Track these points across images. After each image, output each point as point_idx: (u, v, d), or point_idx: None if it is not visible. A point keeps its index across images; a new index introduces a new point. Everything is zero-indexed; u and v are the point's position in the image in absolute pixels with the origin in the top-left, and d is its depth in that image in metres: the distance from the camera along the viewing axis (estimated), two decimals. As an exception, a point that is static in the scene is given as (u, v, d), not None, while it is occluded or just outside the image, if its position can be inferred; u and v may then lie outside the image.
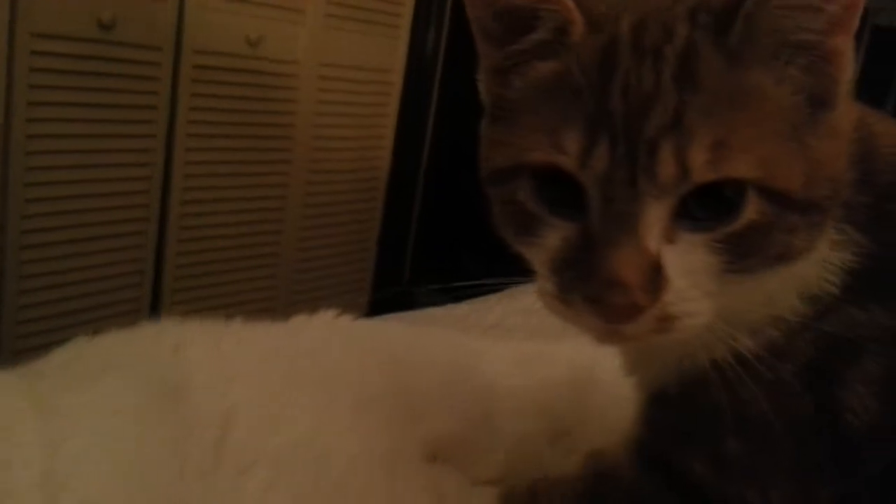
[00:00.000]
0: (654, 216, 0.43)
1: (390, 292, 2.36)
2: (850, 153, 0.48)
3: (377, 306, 2.06)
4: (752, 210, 0.44)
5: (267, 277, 2.00)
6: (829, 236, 0.49)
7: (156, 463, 0.43)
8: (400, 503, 0.50)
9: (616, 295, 0.43)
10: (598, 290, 0.44)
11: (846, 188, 0.48)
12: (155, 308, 1.79)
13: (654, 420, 0.55)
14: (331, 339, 0.62)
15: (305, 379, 0.54)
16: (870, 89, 0.54)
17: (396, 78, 2.16)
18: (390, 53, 2.13)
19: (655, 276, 0.44)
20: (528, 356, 0.70)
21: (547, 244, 0.47)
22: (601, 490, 0.58)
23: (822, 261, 0.49)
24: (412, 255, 2.55)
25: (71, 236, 1.57)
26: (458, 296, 0.96)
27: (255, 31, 1.76)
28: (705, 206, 0.44)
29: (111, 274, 1.67)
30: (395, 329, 0.71)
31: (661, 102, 0.43)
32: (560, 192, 0.46)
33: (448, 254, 2.30)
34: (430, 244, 2.54)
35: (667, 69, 0.43)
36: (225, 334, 0.59)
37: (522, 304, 1.02)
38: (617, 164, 0.43)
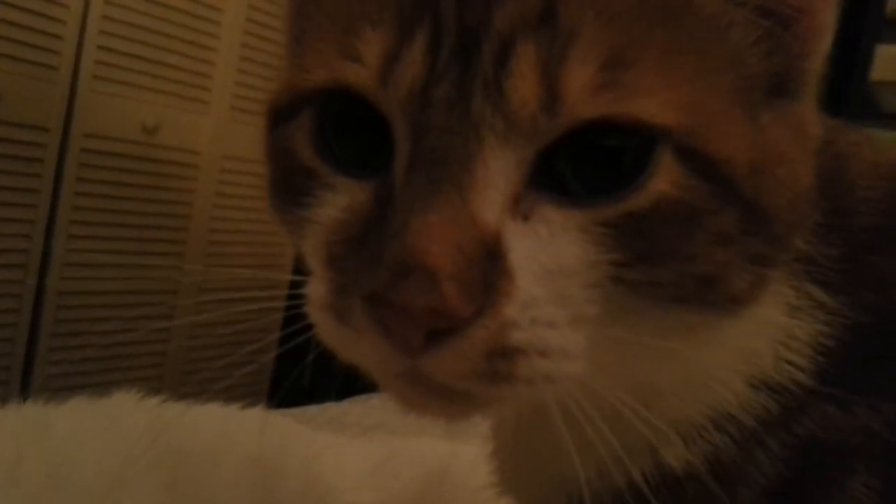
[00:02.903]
0: (496, 169, 0.26)
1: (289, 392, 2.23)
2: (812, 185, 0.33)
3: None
4: (663, 178, 0.27)
5: (153, 378, 1.86)
6: (785, 299, 0.33)
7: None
8: None
9: (412, 289, 0.25)
10: (383, 282, 0.25)
11: (809, 215, 0.33)
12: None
13: None
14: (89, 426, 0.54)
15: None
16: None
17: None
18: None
19: (489, 268, 0.26)
20: (377, 462, 0.62)
21: (324, 218, 0.30)
22: None
23: (779, 333, 0.33)
24: (314, 357, 2.44)
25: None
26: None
27: (153, 117, 1.70)
28: (585, 166, 0.27)
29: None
30: (218, 414, 0.63)
31: None
32: (353, 136, 0.30)
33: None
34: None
35: None
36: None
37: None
38: (439, 76, 0.27)
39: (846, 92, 2.19)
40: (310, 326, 0.32)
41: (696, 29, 0.28)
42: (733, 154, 0.28)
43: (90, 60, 1.57)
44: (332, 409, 0.81)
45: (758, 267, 0.30)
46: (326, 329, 0.30)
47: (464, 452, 0.67)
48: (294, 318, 0.32)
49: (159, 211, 1.78)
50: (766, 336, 0.33)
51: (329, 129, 0.30)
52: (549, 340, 0.27)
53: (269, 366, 2.14)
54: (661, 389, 0.32)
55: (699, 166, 0.27)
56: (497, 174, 0.27)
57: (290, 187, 0.32)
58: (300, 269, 0.34)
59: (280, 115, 0.33)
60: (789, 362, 0.33)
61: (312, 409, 0.77)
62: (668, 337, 0.29)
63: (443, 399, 0.28)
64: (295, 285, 0.33)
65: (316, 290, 0.30)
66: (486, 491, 0.41)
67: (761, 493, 0.32)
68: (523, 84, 0.26)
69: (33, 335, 1.60)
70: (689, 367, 0.32)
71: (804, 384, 0.33)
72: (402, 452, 0.66)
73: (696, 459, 0.32)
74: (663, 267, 0.27)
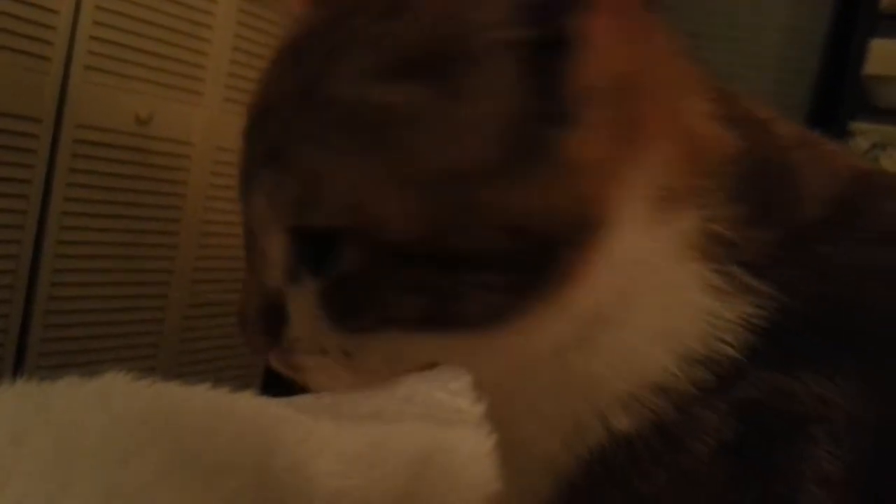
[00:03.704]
0: (274, 245, 0.38)
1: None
2: (735, 177, 0.38)
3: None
4: (346, 260, 0.36)
5: (146, 370, 1.85)
6: (708, 283, 0.37)
7: None
8: None
9: (242, 326, 0.40)
10: (237, 317, 0.40)
11: (574, 230, 0.35)
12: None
13: None
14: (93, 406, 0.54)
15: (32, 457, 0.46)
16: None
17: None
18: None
19: (276, 316, 0.39)
20: (365, 447, 0.62)
21: None
22: None
23: (704, 314, 0.37)
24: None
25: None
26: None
27: (146, 108, 1.70)
28: (316, 247, 0.37)
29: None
30: (210, 396, 0.63)
31: (278, 113, 0.37)
32: None
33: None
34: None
35: (298, 75, 0.37)
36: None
37: (404, 392, 0.96)
38: (243, 174, 0.39)
39: (840, 87, 2.20)
40: None
41: (386, 137, 0.35)
42: (407, 233, 0.35)
43: (83, 51, 1.57)
44: (326, 397, 0.81)
45: (486, 293, 0.35)
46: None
47: (452, 440, 0.68)
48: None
49: (152, 202, 1.77)
50: (691, 317, 0.37)
51: None
52: (310, 364, 0.39)
53: (258, 367, 2.14)
54: (588, 374, 0.37)
55: (372, 246, 0.35)
56: (274, 250, 0.38)
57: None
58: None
59: None
60: (718, 339, 0.36)
61: (307, 399, 0.77)
62: (455, 350, 0.38)
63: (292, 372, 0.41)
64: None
65: None
66: (474, 478, 0.44)
67: (718, 448, 0.35)
68: (260, 197, 0.37)
69: (25, 327, 1.59)
70: (595, 357, 0.37)
71: (736, 358, 0.36)
72: (391, 439, 0.66)
73: (641, 424, 0.36)
74: (356, 318, 0.37)
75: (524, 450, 0.40)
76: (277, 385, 0.52)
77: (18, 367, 1.59)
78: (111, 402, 0.56)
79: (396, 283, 0.36)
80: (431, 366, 0.42)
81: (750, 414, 0.35)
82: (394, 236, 0.35)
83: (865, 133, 2.05)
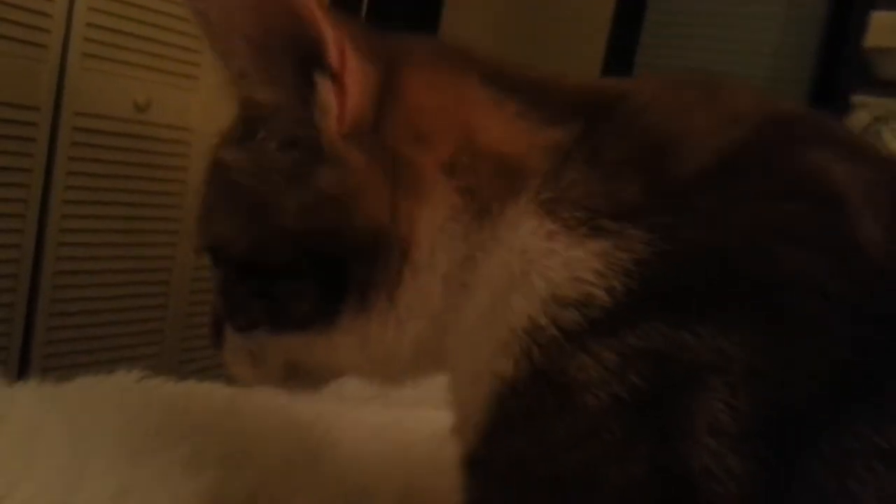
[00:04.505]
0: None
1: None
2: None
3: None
4: (223, 273, 0.48)
5: (151, 356, 1.86)
6: (577, 232, 0.38)
7: None
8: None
9: (209, 332, 0.52)
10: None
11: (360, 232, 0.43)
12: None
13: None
14: (128, 399, 0.54)
15: (48, 451, 0.46)
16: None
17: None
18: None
19: (221, 323, 0.50)
20: (377, 429, 0.63)
21: None
22: None
23: (573, 263, 0.38)
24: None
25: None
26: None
27: (144, 95, 1.69)
28: (216, 265, 0.50)
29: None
30: (223, 393, 0.63)
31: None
32: None
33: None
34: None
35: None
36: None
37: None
38: None
39: (841, 60, 2.19)
40: None
41: (224, 187, 0.48)
42: (238, 247, 0.46)
43: (80, 38, 1.56)
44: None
45: (302, 299, 0.44)
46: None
47: None
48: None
49: (153, 189, 1.77)
50: (558, 266, 0.39)
51: None
52: (229, 361, 0.51)
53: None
54: (467, 331, 0.42)
55: (227, 261, 0.48)
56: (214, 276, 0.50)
57: None
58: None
59: None
60: (581, 283, 0.37)
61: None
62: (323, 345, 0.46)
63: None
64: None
65: None
66: None
67: (613, 401, 0.35)
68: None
69: (30, 315, 1.60)
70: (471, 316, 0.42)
71: (610, 302, 0.37)
72: (402, 421, 0.67)
73: (523, 373, 0.38)
74: (239, 314, 0.49)
75: (457, 404, 0.45)
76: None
77: (24, 352, 1.60)
78: (125, 399, 0.57)
79: (247, 290, 0.46)
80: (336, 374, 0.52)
81: (644, 366, 0.35)
82: (234, 253, 0.46)
83: (867, 106, 2.04)
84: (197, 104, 1.82)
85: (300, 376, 0.50)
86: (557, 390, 0.37)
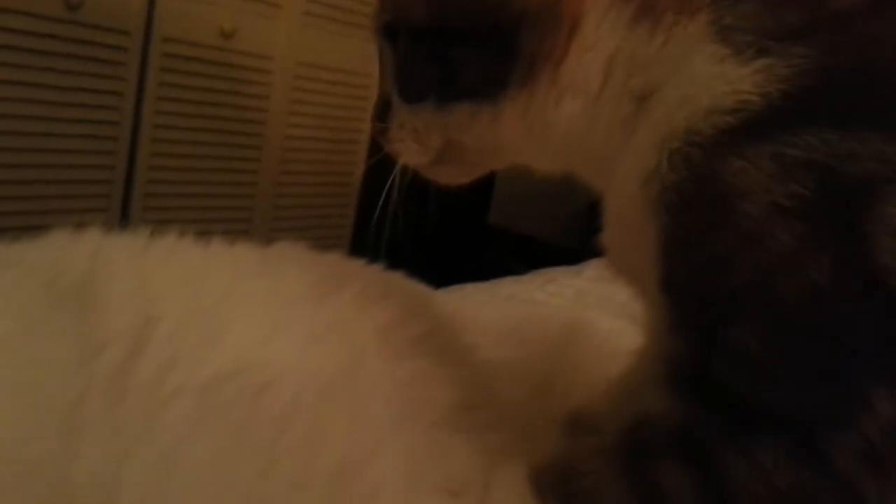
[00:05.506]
0: (382, 51, 0.54)
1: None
2: None
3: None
4: (400, 43, 0.51)
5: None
6: (743, 56, 0.40)
7: (51, 383, 0.36)
8: (358, 444, 0.40)
9: (371, 125, 0.57)
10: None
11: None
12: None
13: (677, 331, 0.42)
14: (286, 265, 0.54)
15: (247, 302, 0.47)
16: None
17: (374, 82, 2.12)
18: (369, 57, 2.08)
19: (388, 108, 0.54)
20: (514, 324, 0.65)
21: None
22: (640, 443, 0.44)
23: (726, 80, 0.40)
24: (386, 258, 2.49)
25: (30, 222, 1.50)
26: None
27: (230, 22, 1.72)
28: (393, 41, 0.52)
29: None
30: (371, 270, 0.64)
31: None
32: None
33: (421, 255, 2.25)
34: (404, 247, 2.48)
35: None
36: (155, 247, 0.52)
37: (507, 291, 0.98)
38: None
39: None
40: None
41: None
42: (420, 15, 0.49)
43: (168, -36, 1.59)
44: (456, 290, 0.86)
45: (474, 65, 0.47)
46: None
47: (591, 319, 0.73)
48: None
49: (237, 116, 1.81)
50: (723, 84, 0.39)
51: None
52: (396, 139, 0.54)
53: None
54: (632, 133, 0.44)
55: (406, 31, 0.51)
56: (384, 60, 0.55)
57: None
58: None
59: None
60: (746, 93, 0.38)
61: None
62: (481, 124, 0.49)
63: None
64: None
65: None
66: (612, 351, 0.51)
67: (770, 207, 0.36)
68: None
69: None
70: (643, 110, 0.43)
71: (767, 107, 0.37)
72: (536, 317, 0.69)
73: (684, 177, 0.39)
74: (412, 84, 0.52)
75: (622, 224, 0.45)
76: (364, 248, 0.54)
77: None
78: (304, 258, 0.59)
79: (421, 58, 0.49)
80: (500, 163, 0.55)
81: (810, 176, 0.36)
82: (415, 22, 0.49)
83: None
84: (280, 32, 1.84)
85: (454, 160, 0.53)
86: (716, 196, 0.38)
